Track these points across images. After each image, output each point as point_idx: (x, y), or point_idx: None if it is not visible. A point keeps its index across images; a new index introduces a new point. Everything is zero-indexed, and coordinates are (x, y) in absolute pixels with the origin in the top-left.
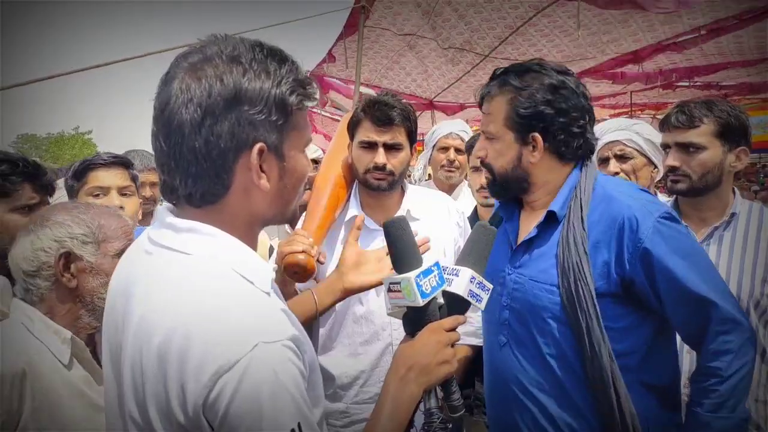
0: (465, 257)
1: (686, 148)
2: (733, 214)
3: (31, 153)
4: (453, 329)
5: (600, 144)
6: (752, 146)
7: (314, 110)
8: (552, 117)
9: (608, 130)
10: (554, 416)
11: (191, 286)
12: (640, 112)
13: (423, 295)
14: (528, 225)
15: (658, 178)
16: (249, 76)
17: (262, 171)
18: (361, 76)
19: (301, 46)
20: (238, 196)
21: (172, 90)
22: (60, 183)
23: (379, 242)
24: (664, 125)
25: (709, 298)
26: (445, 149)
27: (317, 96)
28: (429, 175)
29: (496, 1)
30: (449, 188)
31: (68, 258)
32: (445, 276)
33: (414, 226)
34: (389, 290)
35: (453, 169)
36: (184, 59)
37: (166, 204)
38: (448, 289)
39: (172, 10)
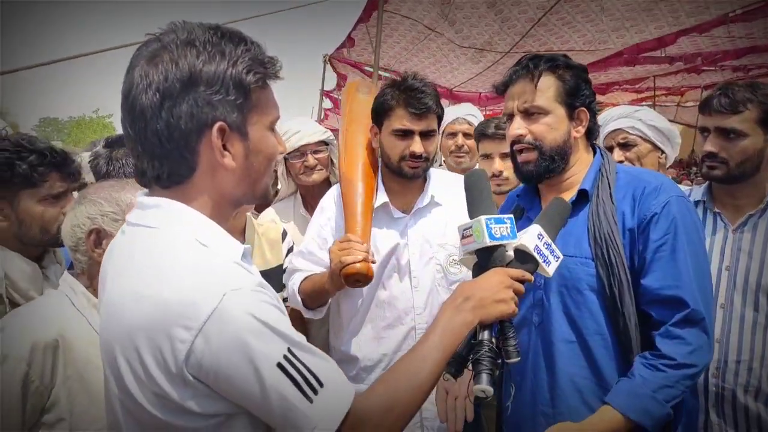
0: (537, 221)
1: (727, 133)
2: None
3: (53, 136)
4: (519, 281)
5: (604, 133)
6: None
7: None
8: (589, 95)
9: (611, 118)
10: (585, 393)
11: (154, 256)
12: (664, 97)
13: (491, 236)
14: None
15: (669, 164)
16: (203, 58)
17: (227, 150)
18: (380, 61)
19: (323, 29)
20: (205, 175)
21: (134, 78)
22: (86, 167)
23: (401, 230)
24: (704, 108)
25: (691, 283)
26: (453, 135)
27: (280, 75)
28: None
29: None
30: (461, 173)
31: (99, 234)
32: (518, 233)
33: (437, 212)
34: (462, 237)
35: (462, 154)
36: (144, 48)
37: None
38: (517, 243)
39: None
